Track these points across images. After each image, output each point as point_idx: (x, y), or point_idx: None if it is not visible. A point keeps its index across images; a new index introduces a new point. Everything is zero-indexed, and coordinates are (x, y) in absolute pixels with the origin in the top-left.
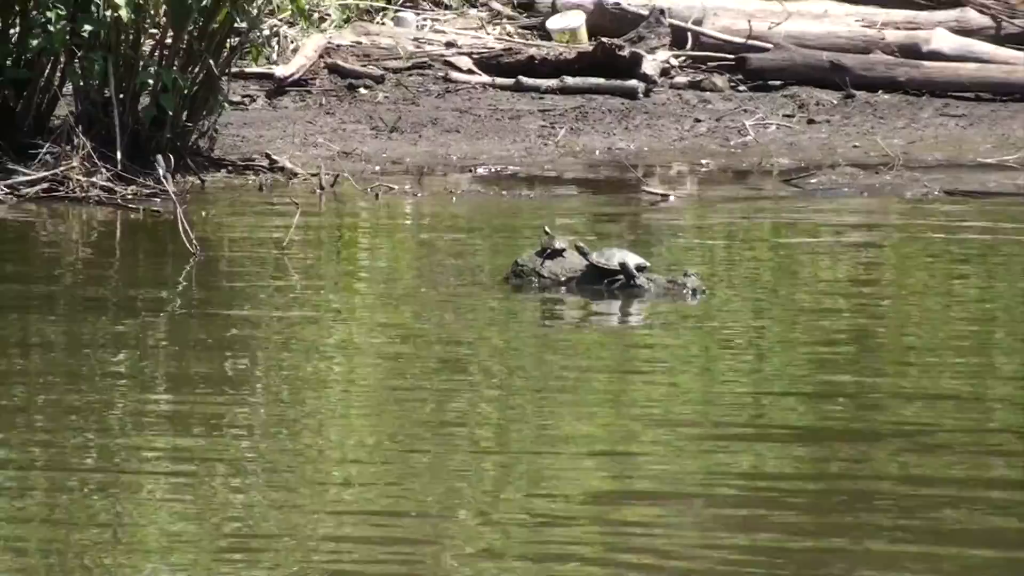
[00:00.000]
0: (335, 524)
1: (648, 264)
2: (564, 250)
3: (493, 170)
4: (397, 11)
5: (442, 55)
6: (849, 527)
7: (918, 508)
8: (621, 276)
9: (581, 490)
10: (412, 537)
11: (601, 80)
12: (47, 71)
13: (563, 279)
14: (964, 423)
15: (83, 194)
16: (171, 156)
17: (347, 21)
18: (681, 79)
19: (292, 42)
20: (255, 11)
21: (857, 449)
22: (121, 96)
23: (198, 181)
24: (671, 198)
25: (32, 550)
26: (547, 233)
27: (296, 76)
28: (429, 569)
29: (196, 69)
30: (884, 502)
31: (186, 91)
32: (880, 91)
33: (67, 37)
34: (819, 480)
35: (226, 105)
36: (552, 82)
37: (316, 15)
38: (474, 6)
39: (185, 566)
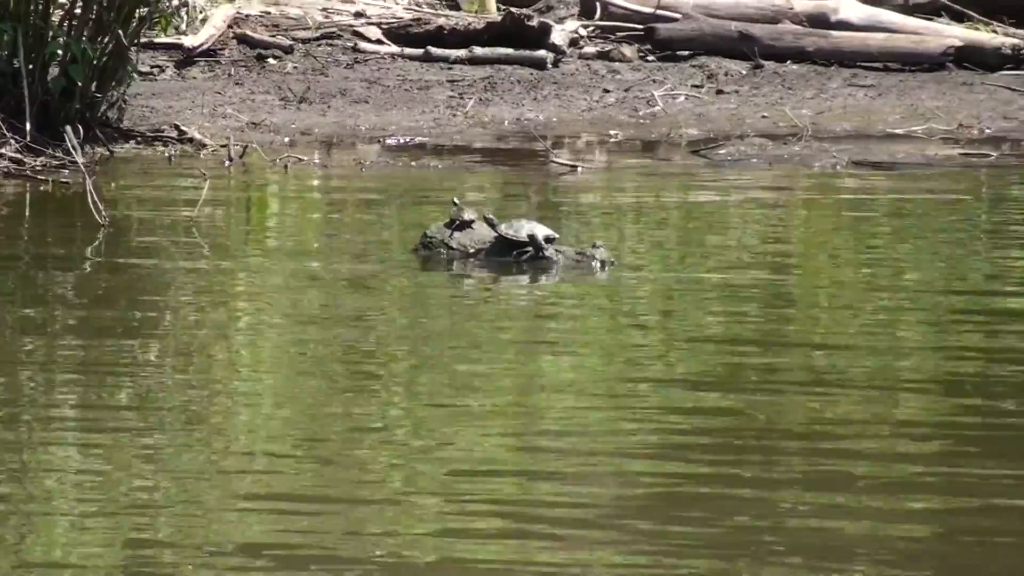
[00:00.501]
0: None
1: (557, 236)
2: (473, 222)
3: (402, 141)
4: None
5: (351, 25)
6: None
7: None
8: (530, 248)
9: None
10: (321, 523)
11: (510, 50)
12: None
13: (472, 251)
14: (872, 372)
15: None
16: (80, 127)
17: None
18: (590, 49)
19: (201, 12)
20: None
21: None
22: (30, 67)
23: (107, 152)
24: (579, 169)
25: None
26: (456, 204)
27: (205, 46)
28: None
29: (105, 39)
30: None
31: (95, 61)
32: (789, 61)
33: None
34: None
35: (135, 76)
36: (461, 52)
37: None
38: None
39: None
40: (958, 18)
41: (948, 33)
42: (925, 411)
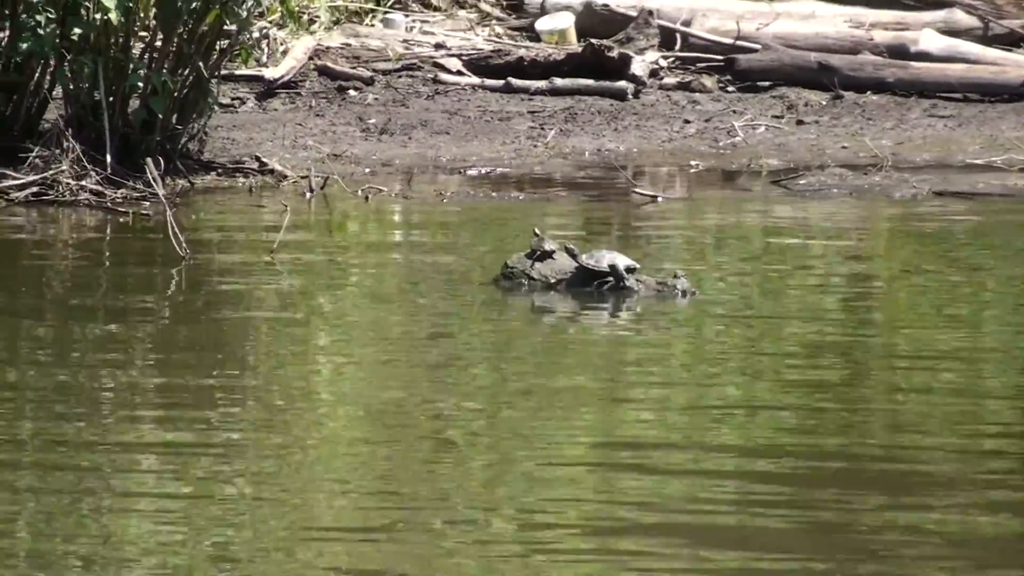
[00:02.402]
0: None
1: (637, 266)
2: (554, 252)
3: (483, 171)
4: (386, 13)
5: (431, 57)
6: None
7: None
8: (611, 278)
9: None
10: (402, 539)
11: (590, 81)
12: (37, 75)
13: (553, 281)
14: (957, 444)
15: (73, 198)
16: (161, 159)
17: (336, 23)
18: (670, 80)
19: (281, 44)
20: (244, 13)
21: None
22: (111, 99)
23: (188, 184)
24: (660, 199)
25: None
26: (537, 235)
27: (286, 78)
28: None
29: (186, 71)
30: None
31: (176, 93)
32: (868, 92)
33: (57, 40)
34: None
35: (216, 107)
36: (541, 83)
37: (305, 17)
38: (463, 7)
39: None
40: None
41: None
42: (1006, 444)
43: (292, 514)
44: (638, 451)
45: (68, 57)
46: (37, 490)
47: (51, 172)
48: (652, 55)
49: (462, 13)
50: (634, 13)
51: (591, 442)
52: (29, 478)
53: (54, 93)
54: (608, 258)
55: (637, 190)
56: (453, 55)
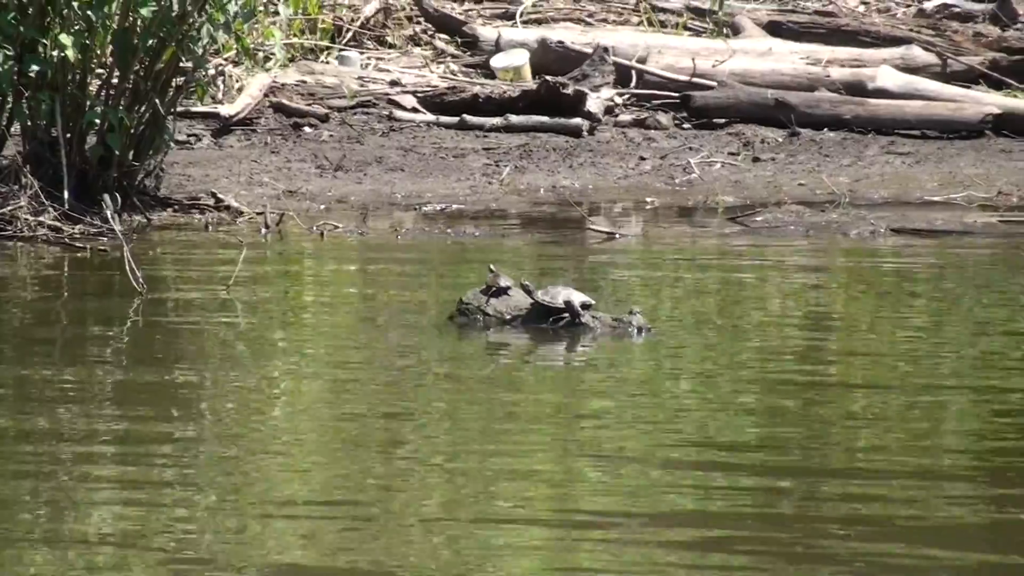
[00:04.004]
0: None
1: (593, 302)
2: (509, 288)
3: (438, 208)
4: (341, 50)
5: (386, 94)
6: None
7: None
8: (566, 314)
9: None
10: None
11: (545, 118)
12: None
13: (508, 317)
14: (915, 479)
15: (31, 233)
16: (118, 195)
17: (292, 60)
18: (625, 117)
19: (237, 81)
20: (200, 50)
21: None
22: (68, 136)
23: (145, 220)
24: (616, 236)
25: None
26: (492, 271)
27: (241, 115)
28: None
29: (142, 108)
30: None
31: (132, 130)
32: (825, 129)
33: (14, 77)
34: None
35: (172, 144)
36: (496, 120)
37: (261, 54)
38: (418, 45)
39: None
40: (996, 86)
41: (986, 101)
42: (963, 465)
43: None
44: (598, 464)
45: (26, 94)
46: None
47: (9, 208)
48: (607, 92)
49: (417, 50)
50: (589, 50)
51: (545, 497)
52: None
53: (12, 130)
54: (564, 294)
55: (593, 227)
56: (408, 92)
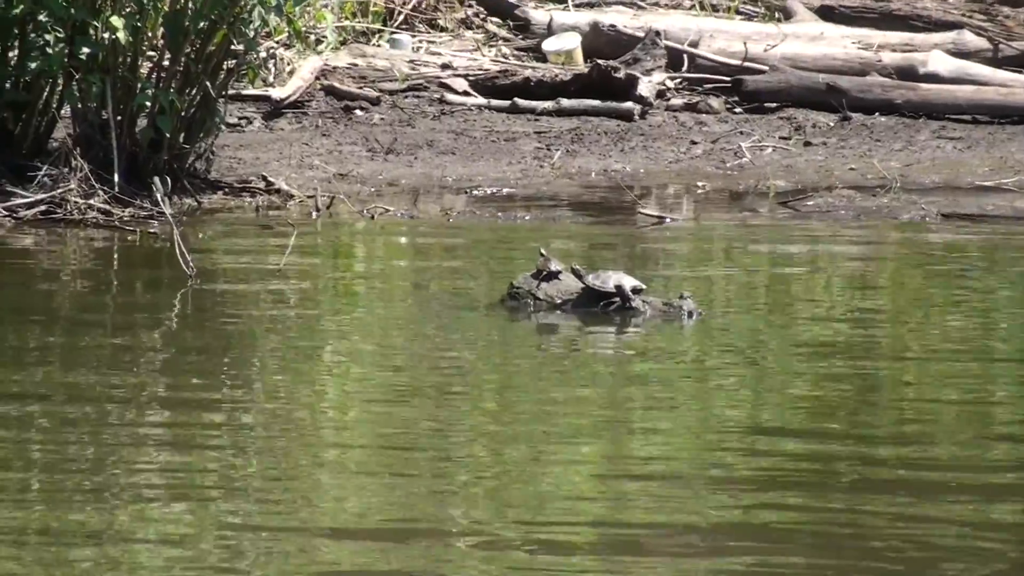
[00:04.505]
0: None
1: (644, 286)
2: (560, 272)
3: (489, 192)
4: (393, 33)
5: (438, 77)
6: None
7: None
8: (617, 299)
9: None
10: (407, 563)
11: (597, 102)
12: (45, 93)
13: (559, 301)
14: (963, 465)
15: (81, 216)
16: (168, 178)
17: (343, 43)
18: (677, 101)
19: (288, 64)
20: (252, 33)
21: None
22: (119, 118)
23: (195, 203)
24: (667, 220)
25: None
26: (543, 255)
27: (292, 98)
28: None
29: (193, 91)
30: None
31: (183, 113)
32: (877, 113)
33: (65, 59)
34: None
35: (223, 127)
36: (548, 104)
37: (312, 37)
38: (469, 28)
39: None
40: None
41: None
42: (1013, 452)
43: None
44: (644, 472)
45: (76, 76)
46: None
47: (59, 191)
48: (659, 76)
49: (468, 33)
50: (641, 34)
51: (596, 465)
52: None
53: (62, 112)
54: (614, 279)
55: (643, 211)
56: (459, 75)
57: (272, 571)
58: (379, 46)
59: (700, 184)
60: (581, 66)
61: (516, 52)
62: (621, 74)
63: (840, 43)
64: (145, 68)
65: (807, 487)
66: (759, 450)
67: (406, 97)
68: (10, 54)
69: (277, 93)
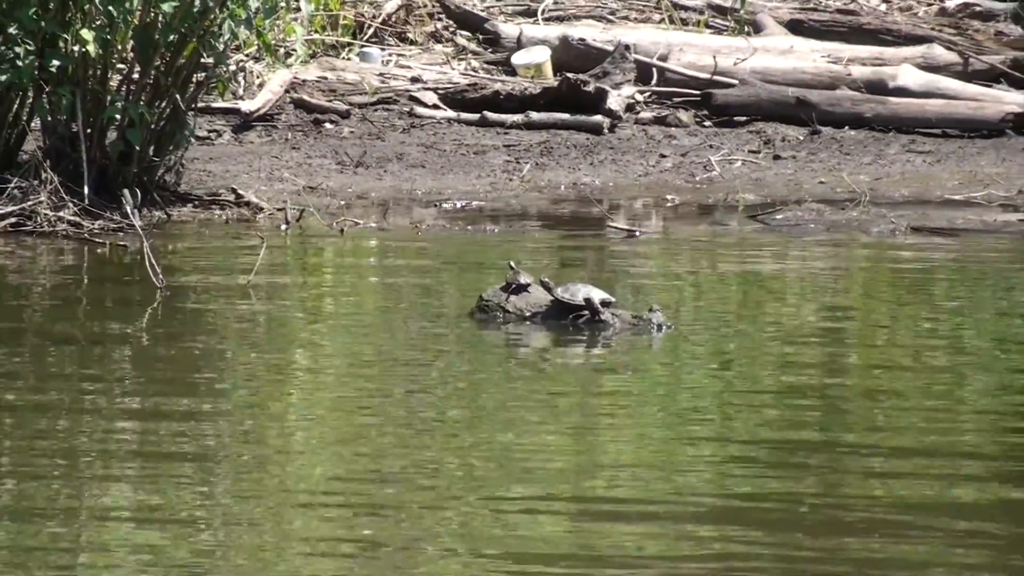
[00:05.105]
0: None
1: (613, 299)
2: (529, 285)
3: (458, 205)
4: (362, 47)
5: (407, 90)
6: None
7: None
8: (586, 311)
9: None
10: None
11: (566, 115)
12: (15, 106)
13: (528, 314)
14: (934, 477)
15: (51, 228)
16: (138, 191)
17: (313, 56)
18: (646, 114)
19: (258, 77)
20: (221, 46)
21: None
22: (89, 131)
23: (164, 215)
24: (637, 233)
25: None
26: (512, 268)
27: (262, 111)
28: None
29: (163, 104)
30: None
31: (153, 125)
32: (846, 127)
33: (35, 72)
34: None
35: (192, 139)
36: (517, 117)
37: (282, 50)
38: (439, 41)
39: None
40: (1017, 85)
41: (1007, 100)
42: (982, 469)
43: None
44: (613, 481)
45: (46, 89)
46: None
47: (29, 203)
48: (628, 89)
49: (438, 47)
50: (610, 48)
51: (568, 472)
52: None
53: (32, 125)
54: (583, 291)
55: (612, 224)
56: (429, 89)
57: None
58: (349, 59)
59: (669, 197)
60: (551, 80)
61: (486, 66)
62: (591, 87)
63: (810, 57)
64: (115, 81)
65: (776, 502)
66: (727, 472)
67: (376, 110)
68: None
69: (247, 106)
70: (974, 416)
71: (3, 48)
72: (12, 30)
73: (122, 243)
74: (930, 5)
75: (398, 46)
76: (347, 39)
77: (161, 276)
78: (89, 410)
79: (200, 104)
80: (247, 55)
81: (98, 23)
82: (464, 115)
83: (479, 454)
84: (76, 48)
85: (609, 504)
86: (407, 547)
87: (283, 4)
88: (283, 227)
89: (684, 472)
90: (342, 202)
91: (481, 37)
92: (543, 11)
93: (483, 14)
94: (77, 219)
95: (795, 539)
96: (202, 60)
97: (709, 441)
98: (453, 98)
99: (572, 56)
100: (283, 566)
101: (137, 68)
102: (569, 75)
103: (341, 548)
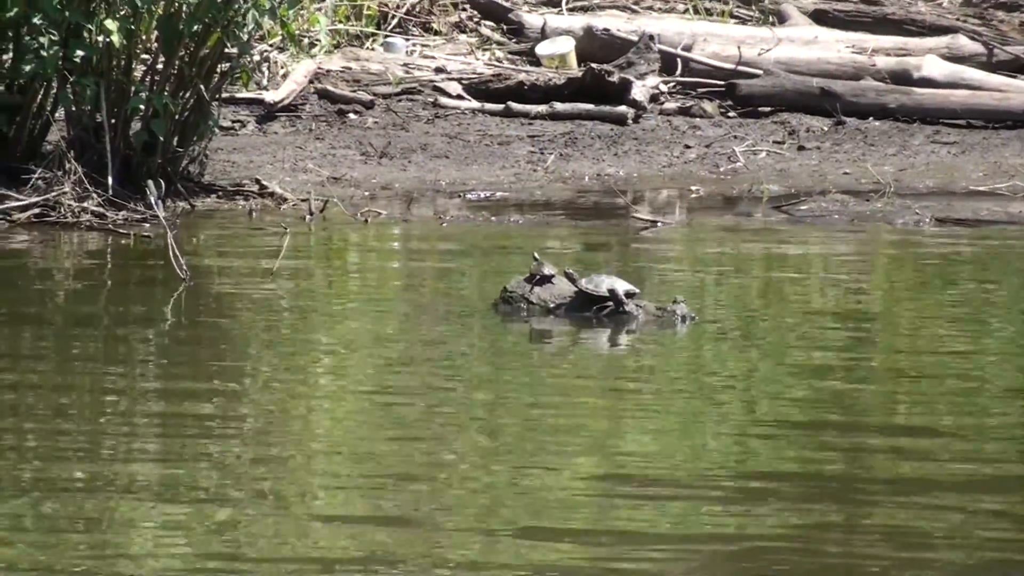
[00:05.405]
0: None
1: (637, 291)
2: (553, 276)
3: (482, 196)
4: (386, 37)
5: (431, 80)
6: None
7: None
8: (610, 303)
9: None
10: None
11: (590, 106)
12: (39, 96)
13: (552, 306)
14: (956, 467)
15: (75, 219)
16: (162, 181)
17: (337, 46)
18: (671, 105)
19: (282, 67)
20: (245, 36)
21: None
22: (113, 121)
23: (188, 206)
24: (660, 224)
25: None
26: (536, 259)
27: (286, 101)
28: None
29: (187, 94)
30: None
31: (177, 116)
32: (871, 118)
33: (59, 62)
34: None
35: (216, 130)
36: (541, 108)
37: (306, 40)
38: (463, 32)
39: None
40: None
41: None
42: (1006, 463)
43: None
44: (638, 474)
45: (71, 79)
46: None
47: (53, 193)
48: (652, 80)
49: (462, 37)
50: (635, 38)
51: (590, 467)
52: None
53: (56, 115)
54: (607, 283)
55: (636, 215)
56: (453, 79)
57: None
58: (373, 49)
59: (694, 188)
60: (575, 70)
61: (510, 56)
62: (615, 78)
63: (834, 47)
64: (139, 71)
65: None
66: (752, 456)
67: (400, 101)
68: (4, 57)
69: (271, 96)
70: (998, 399)
71: (28, 39)
72: (36, 20)
73: (146, 234)
74: None
75: (422, 36)
76: (371, 29)
77: (185, 268)
78: (112, 390)
79: (224, 94)
80: (271, 45)
81: (122, 13)
82: (488, 105)
83: (503, 427)
84: (100, 38)
85: (632, 484)
86: (427, 522)
87: None
88: (307, 217)
89: (709, 451)
90: (366, 193)
91: (505, 27)
92: (567, 1)
93: (507, 4)
94: (101, 210)
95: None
96: (226, 50)
97: (732, 420)
98: (477, 88)
99: (596, 46)
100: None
101: (161, 58)
102: (593, 65)
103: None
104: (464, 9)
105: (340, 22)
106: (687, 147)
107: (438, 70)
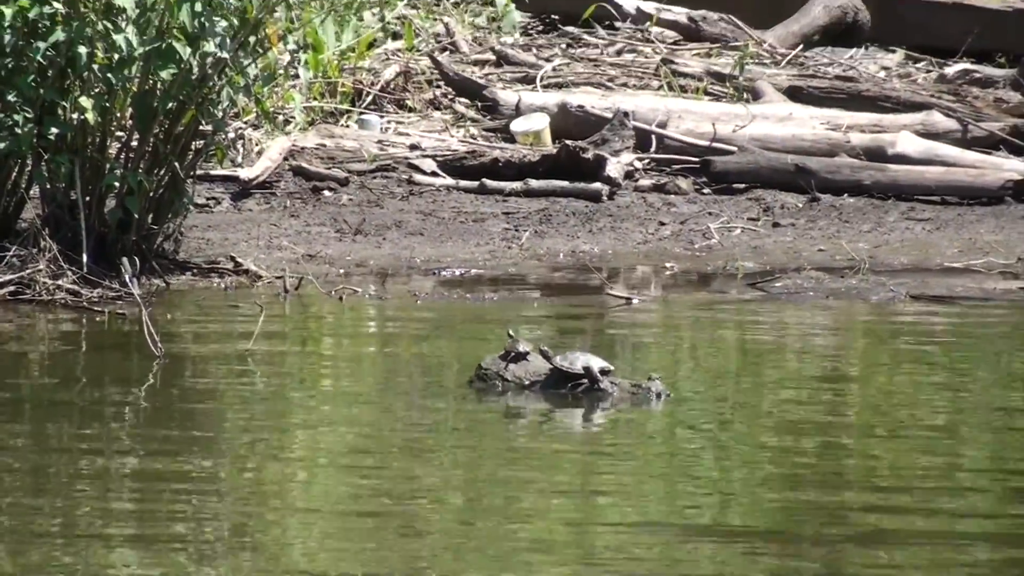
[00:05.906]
0: None
1: (612, 368)
2: (528, 353)
3: (457, 273)
4: (361, 114)
5: (406, 158)
6: None
7: None
8: (585, 380)
9: None
10: None
11: (565, 183)
12: (14, 174)
13: (527, 383)
14: (933, 543)
15: (49, 297)
16: (136, 259)
17: (311, 123)
18: (645, 182)
19: (257, 144)
20: (220, 113)
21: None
22: (87, 199)
23: (163, 284)
24: (635, 301)
25: None
26: (511, 336)
27: (261, 178)
28: None
29: (162, 171)
30: None
31: (152, 193)
32: (845, 194)
33: (34, 140)
34: None
35: (191, 207)
36: (516, 185)
37: (280, 118)
38: (438, 108)
39: None
40: (1017, 152)
41: (1007, 167)
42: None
43: None
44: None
45: (45, 157)
46: None
47: (28, 271)
48: (627, 157)
49: (437, 114)
50: (609, 115)
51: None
52: None
53: (31, 192)
54: (582, 360)
55: (611, 292)
56: (428, 156)
57: None
58: (347, 126)
59: (668, 265)
60: (549, 147)
61: (484, 133)
62: (589, 155)
63: (809, 124)
64: (114, 148)
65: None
66: (724, 540)
67: (374, 177)
68: None
69: (245, 173)
70: (973, 476)
71: (2, 115)
72: (11, 97)
73: (120, 311)
74: (929, 72)
75: (397, 113)
76: (346, 106)
77: (160, 345)
78: (86, 476)
79: (199, 171)
80: (246, 122)
81: (97, 91)
82: (463, 182)
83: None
84: (75, 116)
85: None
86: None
87: (281, 72)
88: (282, 295)
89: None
90: (341, 270)
91: (480, 104)
92: (542, 78)
93: (482, 81)
94: (76, 287)
95: None
96: (201, 127)
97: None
98: (452, 165)
99: (571, 123)
100: None
101: (136, 135)
102: (568, 142)
103: None
104: (438, 86)
105: (315, 99)
106: (662, 224)
107: (412, 147)
